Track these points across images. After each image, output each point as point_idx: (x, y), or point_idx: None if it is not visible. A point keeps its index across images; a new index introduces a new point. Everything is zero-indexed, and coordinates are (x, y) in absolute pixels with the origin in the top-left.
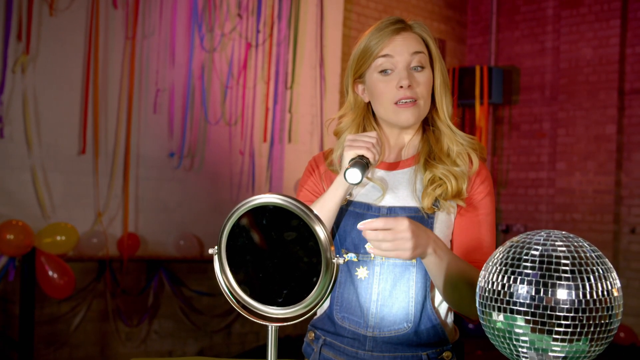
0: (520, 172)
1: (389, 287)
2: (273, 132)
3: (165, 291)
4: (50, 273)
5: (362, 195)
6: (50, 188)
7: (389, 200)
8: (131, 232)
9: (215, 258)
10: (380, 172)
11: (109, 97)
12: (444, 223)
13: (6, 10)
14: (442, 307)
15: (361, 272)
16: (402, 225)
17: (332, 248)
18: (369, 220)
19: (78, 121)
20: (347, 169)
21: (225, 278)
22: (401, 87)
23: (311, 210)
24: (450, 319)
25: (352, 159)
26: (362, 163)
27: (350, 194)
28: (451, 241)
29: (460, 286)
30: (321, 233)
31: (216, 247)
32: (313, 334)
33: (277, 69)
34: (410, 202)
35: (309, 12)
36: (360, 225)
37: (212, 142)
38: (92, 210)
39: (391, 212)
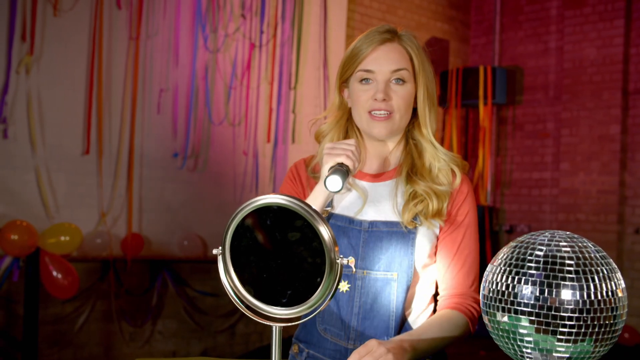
0: (524, 172)
1: (370, 301)
2: (277, 132)
3: (169, 291)
4: (54, 273)
5: (343, 207)
6: (54, 188)
7: (370, 214)
8: (135, 232)
9: (220, 258)
10: (362, 183)
11: (112, 97)
12: (425, 236)
13: (10, 11)
14: (420, 320)
15: (343, 285)
16: (372, 344)
17: (337, 248)
18: None
19: (82, 121)
20: (327, 176)
21: (229, 278)
22: (376, 99)
23: (315, 211)
24: None
25: (331, 167)
26: (342, 170)
27: (332, 206)
28: (435, 252)
29: (448, 342)
30: (325, 233)
31: (220, 247)
32: (297, 347)
33: (281, 70)
34: (391, 216)
35: (312, 12)
36: None
37: (216, 142)
38: (96, 210)
39: (373, 226)
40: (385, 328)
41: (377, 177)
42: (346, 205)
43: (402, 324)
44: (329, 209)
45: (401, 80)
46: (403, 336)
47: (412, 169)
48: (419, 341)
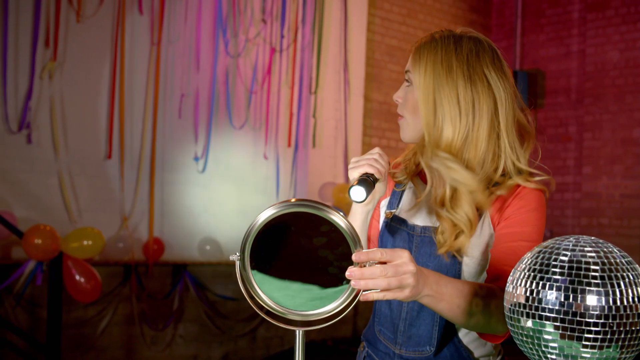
0: None
1: (417, 308)
2: (297, 136)
3: (190, 295)
4: (77, 277)
5: (405, 210)
6: (76, 193)
7: (425, 218)
8: (156, 236)
9: (237, 264)
10: (426, 187)
11: (134, 102)
12: (474, 247)
13: (34, 17)
14: (471, 334)
15: None
16: (403, 257)
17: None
18: (365, 251)
19: (104, 126)
20: (350, 186)
21: (248, 284)
22: None
23: (336, 210)
24: (482, 346)
25: (356, 178)
26: (367, 181)
27: (396, 208)
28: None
29: (474, 313)
30: (343, 223)
31: (237, 253)
32: (362, 345)
33: (301, 74)
34: (437, 222)
35: (333, 16)
36: (355, 257)
37: (237, 147)
38: (118, 214)
39: (425, 231)
40: (428, 338)
41: None
42: (407, 207)
43: (446, 336)
44: (394, 210)
45: (408, 82)
46: (440, 277)
47: None
48: (439, 279)
